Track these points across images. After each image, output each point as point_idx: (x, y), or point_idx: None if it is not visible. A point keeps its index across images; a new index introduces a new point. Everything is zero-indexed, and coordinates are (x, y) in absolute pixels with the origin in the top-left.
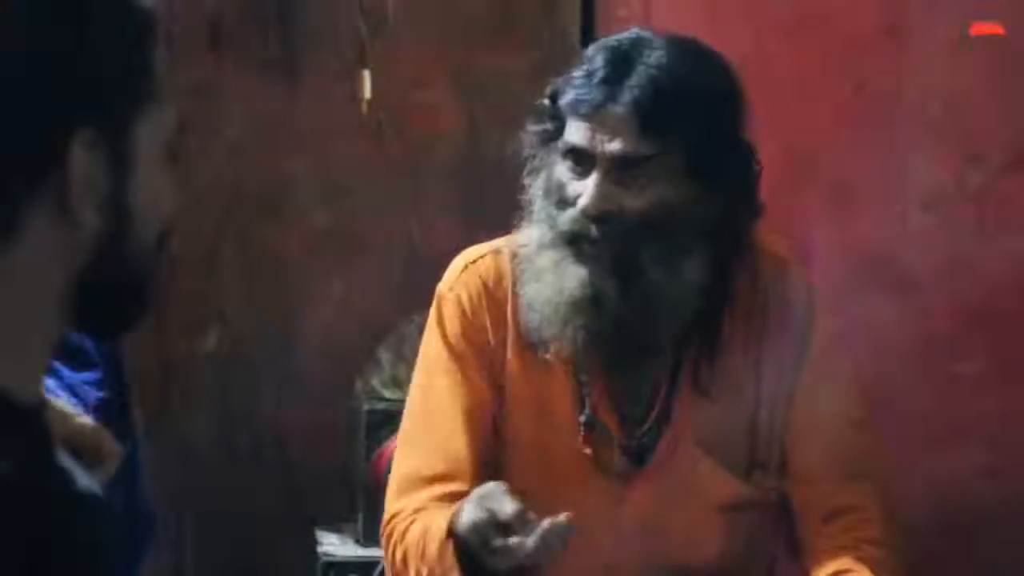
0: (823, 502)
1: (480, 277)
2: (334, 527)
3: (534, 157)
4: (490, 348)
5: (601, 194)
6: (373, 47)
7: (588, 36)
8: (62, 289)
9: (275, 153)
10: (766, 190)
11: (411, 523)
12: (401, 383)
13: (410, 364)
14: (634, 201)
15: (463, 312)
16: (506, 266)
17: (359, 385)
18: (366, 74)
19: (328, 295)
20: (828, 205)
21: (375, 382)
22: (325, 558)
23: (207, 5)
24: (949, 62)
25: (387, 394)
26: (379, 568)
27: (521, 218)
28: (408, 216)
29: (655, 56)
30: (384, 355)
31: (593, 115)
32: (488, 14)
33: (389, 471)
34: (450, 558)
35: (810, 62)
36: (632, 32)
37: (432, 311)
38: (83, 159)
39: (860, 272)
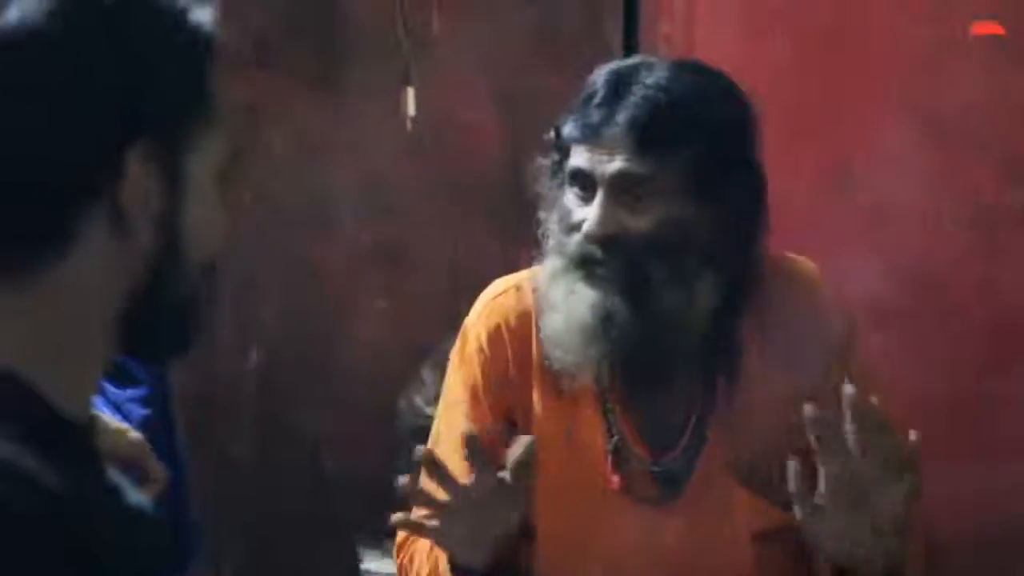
0: None
1: (501, 314)
2: (376, 544)
3: (546, 191)
4: (511, 384)
5: (603, 217)
6: (417, 64)
7: (631, 53)
8: (114, 308)
9: (319, 170)
10: (803, 205)
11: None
12: None
13: None
14: (637, 222)
15: (481, 348)
16: (528, 301)
17: (402, 403)
18: (410, 91)
19: (371, 312)
20: (867, 221)
21: (418, 400)
22: (366, 575)
23: (252, 22)
24: (993, 76)
25: (430, 412)
26: None
27: (541, 252)
28: (451, 233)
29: (653, 77)
30: (427, 373)
31: (592, 138)
32: (532, 32)
33: None
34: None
35: (851, 74)
36: (634, 58)
37: (456, 344)
38: (138, 172)
39: (899, 289)
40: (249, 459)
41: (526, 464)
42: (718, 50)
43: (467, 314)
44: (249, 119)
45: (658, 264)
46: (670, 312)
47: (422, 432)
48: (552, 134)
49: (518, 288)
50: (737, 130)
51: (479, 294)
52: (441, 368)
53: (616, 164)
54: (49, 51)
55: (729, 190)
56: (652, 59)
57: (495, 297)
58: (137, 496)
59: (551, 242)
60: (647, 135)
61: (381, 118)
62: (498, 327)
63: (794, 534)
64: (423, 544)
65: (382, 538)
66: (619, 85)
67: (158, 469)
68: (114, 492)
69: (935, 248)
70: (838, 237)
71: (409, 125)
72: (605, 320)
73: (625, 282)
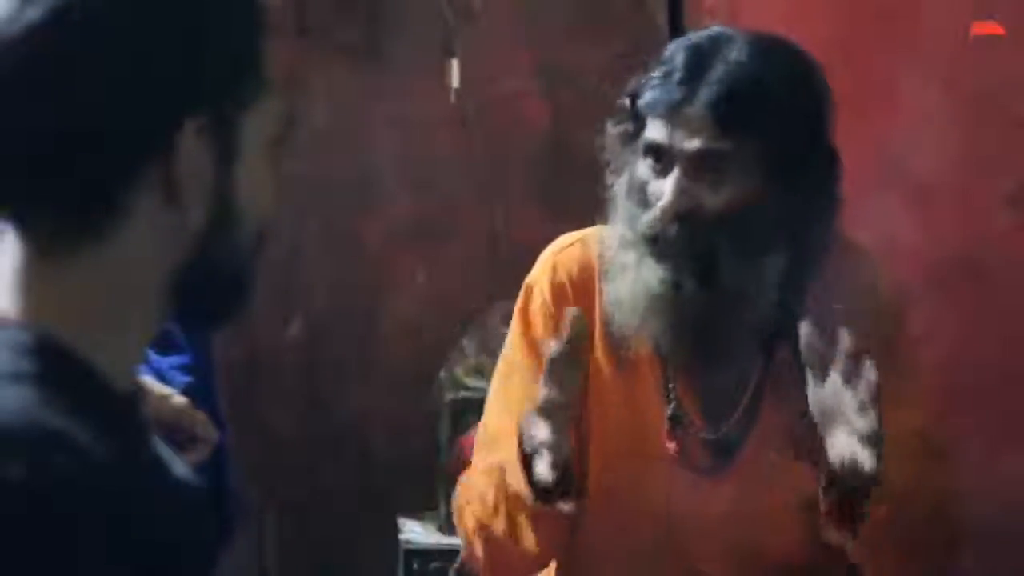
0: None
1: (565, 268)
2: (416, 515)
3: (616, 156)
4: None
5: (680, 192)
6: (460, 36)
7: (675, 27)
8: (163, 279)
9: (360, 141)
10: (849, 187)
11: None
12: (484, 372)
13: (493, 353)
14: (712, 198)
15: (544, 303)
16: (592, 257)
17: (443, 374)
18: (454, 63)
19: (411, 284)
20: (912, 203)
21: (458, 371)
22: (407, 546)
23: None
24: None
25: (470, 383)
26: (461, 556)
27: (606, 214)
28: (492, 205)
29: (734, 54)
30: (468, 344)
31: (671, 114)
32: (575, 5)
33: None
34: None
35: (897, 56)
36: (712, 30)
37: (519, 301)
38: (191, 148)
39: (944, 270)
40: (290, 429)
41: (582, 335)
42: (762, 24)
43: (506, 285)
44: (294, 89)
45: (730, 241)
46: (738, 289)
47: (462, 403)
48: (626, 102)
49: (583, 244)
50: (816, 112)
51: (519, 265)
52: (481, 339)
53: (696, 142)
54: (106, 24)
55: (805, 171)
56: (731, 32)
57: (559, 252)
58: (181, 468)
59: (620, 209)
60: (728, 114)
61: (424, 90)
62: (562, 283)
63: None
64: (479, 478)
65: (422, 509)
66: (700, 60)
67: (208, 430)
68: (158, 464)
69: (981, 228)
70: (884, 217)
71: (453, 97)
72: (672, 292)
73: (694, 258)
